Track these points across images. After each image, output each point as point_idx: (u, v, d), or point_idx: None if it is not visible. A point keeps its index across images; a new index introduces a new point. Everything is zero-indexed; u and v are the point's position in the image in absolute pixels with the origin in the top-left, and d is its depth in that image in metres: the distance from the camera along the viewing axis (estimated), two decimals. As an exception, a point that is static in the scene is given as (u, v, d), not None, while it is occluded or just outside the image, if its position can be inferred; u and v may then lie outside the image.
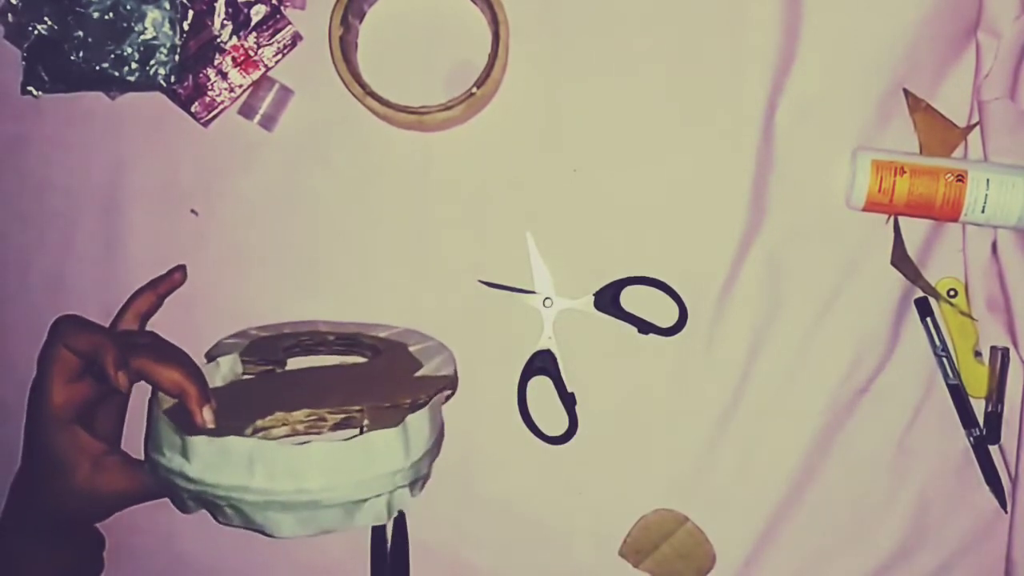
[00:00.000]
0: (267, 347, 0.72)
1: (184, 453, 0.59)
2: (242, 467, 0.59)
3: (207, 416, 0.62)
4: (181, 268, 0.74)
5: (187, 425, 0.62)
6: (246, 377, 0.71)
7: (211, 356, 0.72)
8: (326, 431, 0.64)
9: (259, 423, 0.63)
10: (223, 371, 0.69)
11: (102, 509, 0.67)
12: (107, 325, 0.72)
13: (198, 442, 0.59)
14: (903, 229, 0.74)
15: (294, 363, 0.73)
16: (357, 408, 0.64)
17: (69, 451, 0.64)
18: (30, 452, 0.66)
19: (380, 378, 0.69)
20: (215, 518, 0.62)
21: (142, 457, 0.65)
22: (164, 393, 0.64)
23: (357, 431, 0.63)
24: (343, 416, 0.64)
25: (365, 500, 0.60)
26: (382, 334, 0.74)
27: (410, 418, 0.61)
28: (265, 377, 0.72)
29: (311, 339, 0.73)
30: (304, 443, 0.59)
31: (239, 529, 0.64)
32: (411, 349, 0.72)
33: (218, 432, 0.61)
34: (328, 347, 0.74)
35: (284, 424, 0.64)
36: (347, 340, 0.73)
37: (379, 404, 0.64)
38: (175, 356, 0.65)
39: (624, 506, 0.75)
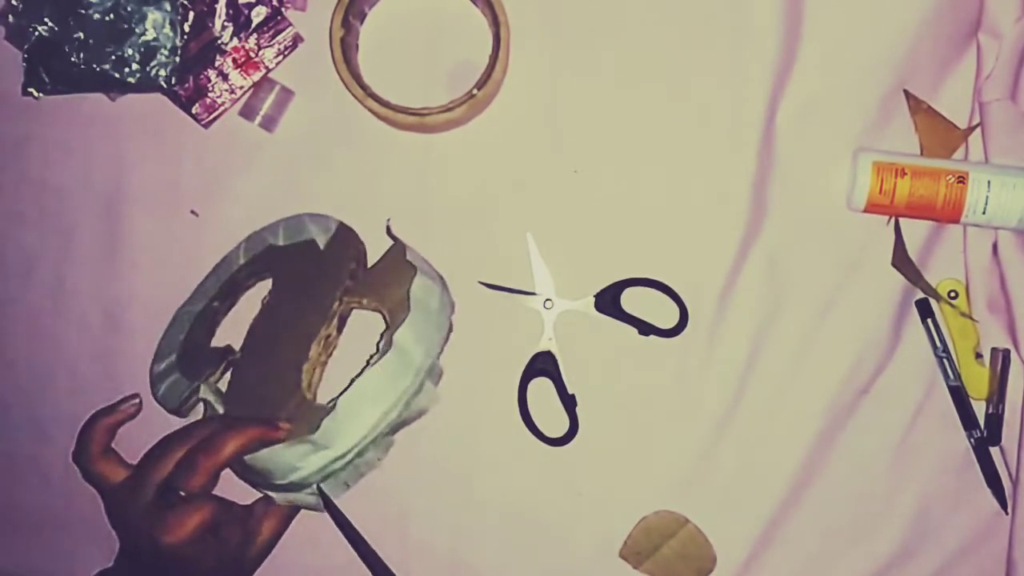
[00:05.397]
0: (195, 355, 0.72)
1: (321, 446, 0.62)
2: (371, 405, 0.63)
3: (286, 427, 0.64)
4: (137, 399, 0.70)
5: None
6: (224, 384, 0.71)
7: (171, 400, 0.71)
8: (336, 341, 0.70)
9: (303, 385, 0.67)
10: (212, 399, 0.69)
11: (270, 551, 0.69)
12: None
13: (326, 428, 0.62)
14: (904, 230, 0.74)
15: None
16: (337, 304, 0.69)
17: (238, 549, 0.66)
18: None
19: (305, 277, 0.71)
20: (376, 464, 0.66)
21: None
22: (246, 456, 0.64)
23: (355, 310, 0.70)
24: (336, 320, 0.70)
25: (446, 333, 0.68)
26: (234, 268, 0.74)
27: (411, 257, 0.68)
28: (240, 367, 0.72)
29: (205, 323, 0.73)
30: (386, 335, 0.64)
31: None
32: (280, 244, 0.73)
33: (308, 414, 0.64)
34: (222, 315, 0.74)
35: (315, 367, 0.69)
36: (226, 299, 0.74)
37: (344, 285, 0.69)
38: (214, 433, 0.63)
39: (625, 507, 0.75)
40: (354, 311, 0.71)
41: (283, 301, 0.72)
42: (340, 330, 0.71)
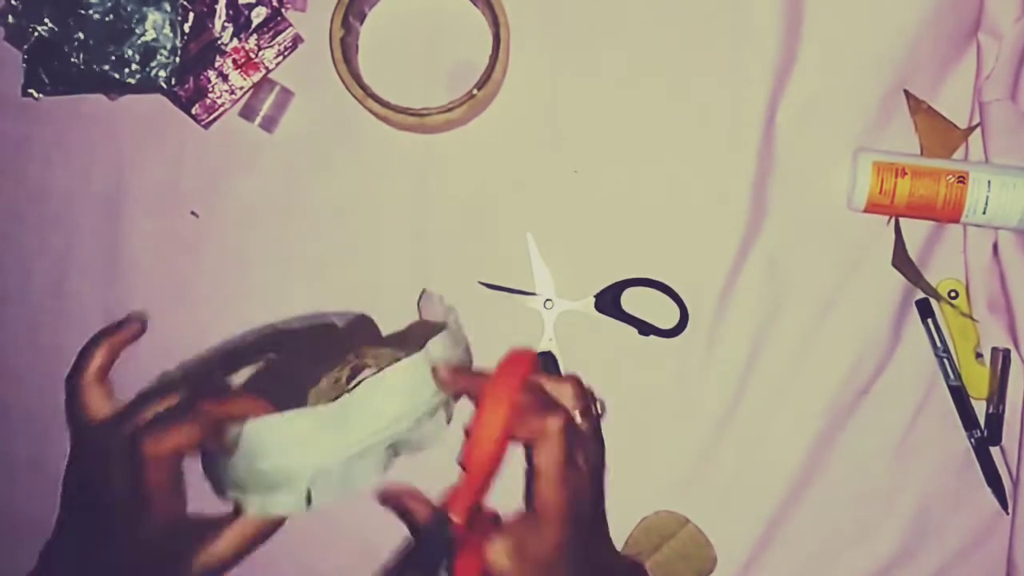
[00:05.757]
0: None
1: (329, 423, 0.56)
2: (390, 398, 0.57)
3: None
4: (141, 319, 0.65)
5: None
6: None
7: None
8: (345, 385, 0.69)
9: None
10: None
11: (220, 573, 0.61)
12: (101, 327, 0.70)
13: (343, 403, 0.56)
14: (904, 230, 0.74)
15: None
16: (344, 365, 0.69)
17: (181, 553, 0.59)
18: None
19: (315, 345, 0.71)
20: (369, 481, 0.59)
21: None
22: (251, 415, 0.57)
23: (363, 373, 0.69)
24: (348, 370, 0.69)
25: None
26: (243, 342, 0.72)
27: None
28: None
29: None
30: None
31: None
32: (296, 328, 0.72)
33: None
34: (219, 380, 0.71)
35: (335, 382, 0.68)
36: (226, 367, 0.70)
37: (356, 349, 0.69)
38: (223, 389, 0.61)
39: (625, 507, 0.74)
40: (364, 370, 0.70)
41: (289, 359, 0.70)
42: (350, 380, 0.69)
